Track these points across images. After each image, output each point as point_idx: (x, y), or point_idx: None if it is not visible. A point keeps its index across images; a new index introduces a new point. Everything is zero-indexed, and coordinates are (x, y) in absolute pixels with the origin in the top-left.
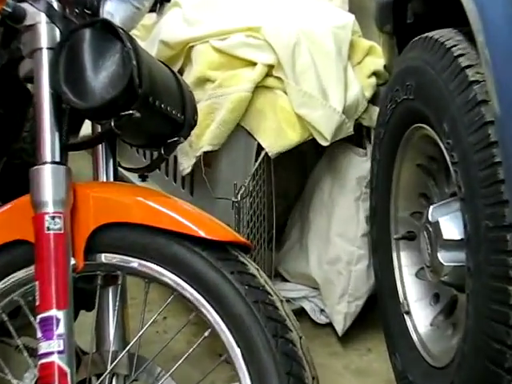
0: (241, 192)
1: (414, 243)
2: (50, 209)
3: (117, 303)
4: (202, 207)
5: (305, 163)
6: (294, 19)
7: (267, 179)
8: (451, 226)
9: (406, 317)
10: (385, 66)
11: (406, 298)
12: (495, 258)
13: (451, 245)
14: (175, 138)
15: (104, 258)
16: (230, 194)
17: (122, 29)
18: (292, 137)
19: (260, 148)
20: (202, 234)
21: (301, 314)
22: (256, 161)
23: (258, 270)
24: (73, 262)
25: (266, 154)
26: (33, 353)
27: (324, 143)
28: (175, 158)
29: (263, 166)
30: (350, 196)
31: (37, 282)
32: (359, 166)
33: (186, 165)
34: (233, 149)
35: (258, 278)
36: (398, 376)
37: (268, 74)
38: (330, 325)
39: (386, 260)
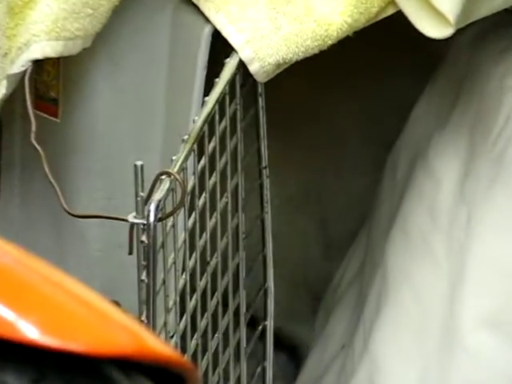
0: (159, 197)
1: None
2: None
3: None
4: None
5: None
6: None
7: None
8: None
9: None
10: None
11: None
12: None
13: None
14: None
15: None
16: (122, 205)
17: None
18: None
19: (223, 53)
20: (26, 333)
21: None
22: (206, 95)
23: None
24: None
25: (244, 72)
26: None
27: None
28: None
29: (228, 112)
30: None
31: None
32: None
33: None
34: (131, 55)
35: None
36: None
37: None
38: None
39: None
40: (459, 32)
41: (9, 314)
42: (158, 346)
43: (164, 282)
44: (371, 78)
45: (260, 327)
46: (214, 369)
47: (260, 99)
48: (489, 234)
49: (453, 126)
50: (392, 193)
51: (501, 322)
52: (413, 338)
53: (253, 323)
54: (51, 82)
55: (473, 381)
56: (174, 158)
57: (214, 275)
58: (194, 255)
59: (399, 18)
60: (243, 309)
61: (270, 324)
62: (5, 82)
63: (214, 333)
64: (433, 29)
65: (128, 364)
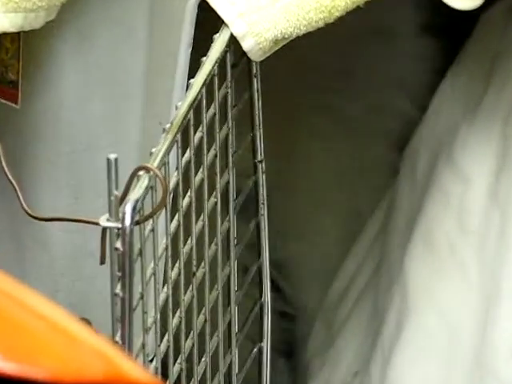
0: (136, 196)
1: None
2: None
3: None
4: None
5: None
6: None
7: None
8: None
9: None
10: None
11: None
12: None
13: None
14: None
15: None
16: (92, 206)
17: None
18: None
19: (211, 27)
20: None
21: None
22: (192, 77)
23: None
24: None
25: (236, 50)
26: None
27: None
28: None
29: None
30: None
31: None
32: None
33: None
34: (103, 30)
35: None
36: None
37: None
38: None
39: None
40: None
41: None
42: (135, 371)
43: (142, 296)
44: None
45: (255, 349)
46: None
47: (255, 81)
48: None
49: (483, 116)
50: (411, 194)
51: None
52: (438, 366)
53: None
54: (10, 61)
55: None
56: (153, 150)
57: (200, 288)
58: (177, 264)
59: None
60: (235, 328)
61: (266, 346)
62: None
63: (200, 356)
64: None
65: None
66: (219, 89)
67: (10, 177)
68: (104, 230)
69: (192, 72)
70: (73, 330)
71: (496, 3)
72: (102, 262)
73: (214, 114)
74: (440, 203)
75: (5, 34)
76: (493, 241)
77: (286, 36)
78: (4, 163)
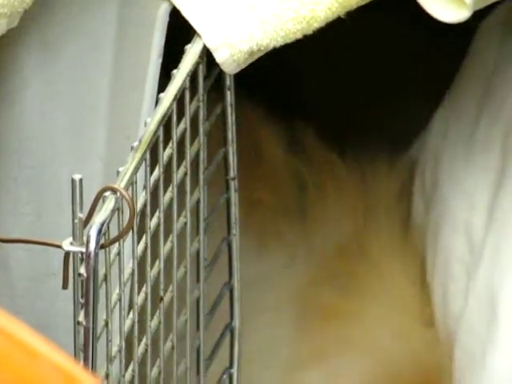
0: (101, 219)
1: None
2: None
3: None
4: None
5: None
6: None
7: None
8: None
9: None
10: None
11: None
12: None
13: None
14: None
15: None
16: (55, 227)
17: None
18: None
19: (183, 37)
20: None
21: None
22: (162, 90)
23: None
24: None
25: (209, 62)
26: None
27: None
28: None
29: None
30: None
31: None
32: None
33: None
34: (69, 40)
35: None
36: None
37: None
38: None
39: None
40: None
41: None
42: None
43: (107, 324)
44: None
45: (225, 376)
46: None
47: (228, 94)
48: None
49: (481, 134)
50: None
51: None
52: None
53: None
54: None
55: None
56: (120, 169)
57: (168, 314)
58: (143, 289)
59: None
60: (202, 355)
61: (236, 372)
62: None
63: None
64: (445, 11)
65: None
66: (190, 103)
67: None
68: (67, 254)
69: (162, 85)
70: (33, 344)
71: (492, 13)
72: (65, 286)
73: (185, 129)
74: (449, 227)
75: None
76: (486, 263)
77: (262, 48)
78: None
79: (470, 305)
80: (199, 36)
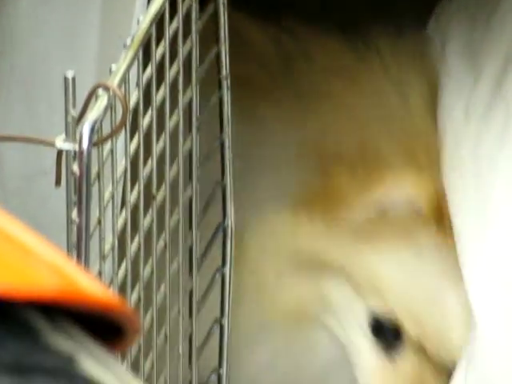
0: (94, 116)
1: None
2: None
3: None
4: None
5: None
6: None
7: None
8: None
9: None
10: None
11: None
12: None
13: None
14: None
15: None
16: (47, 125)
17: None
18: None
19: None
20: None
21: None
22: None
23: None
24: None
25: None
26: None
27: None
28: None
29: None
30: None
31: None
32: None
33: None
34: None
35: None
36: None
37: None
38: None
39: None
40: None
41: None
42: (93, 288)
43: (100, 221)
44: None
45: (217, 275)
46: (160, 327)
47: None
48: None
49: (497, 22)
50: None
51: None
52: None
53: None
54: None
55: None
56: (113, 67)
57: (161, 213)
58: (136, 187)
59: None
60: (196, 252)
61: (229, 271)
62: None
63: (159, 283)
64: None
65: (54, 310)
66: (183, 1)
67: None
68: (60, 152)
69: None
70: (23, 239)
71: None
72: (58, 184)
73: (177, 28)
74: (452, 90)
75: None
76: (494, 132)
77: None
78: None
79: None
80: None
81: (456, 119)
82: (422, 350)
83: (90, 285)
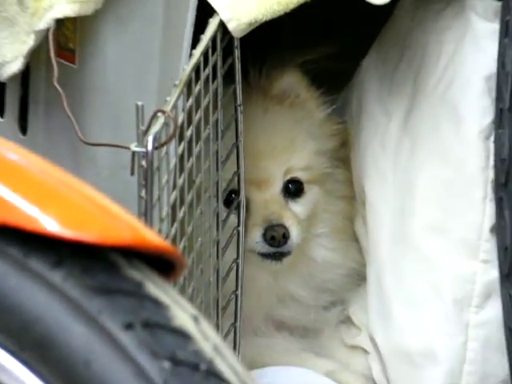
0: (155, 130)
1: None
2: None
3: None
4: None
5: None
6: None
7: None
8: None
9: None
10: None
11: None
12: None
13: None
14: None
15: None
16: (126, 136)
17: None
18: None
19: (207, 14)
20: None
21: None
22: (194, 48)
23: (195, 319)
24: None
25: (224, 29)
26: None
27: None
28: None
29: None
30: None
31: None
32: None
33: (9, 55)
34: (134, 16)
35: (194, 342)
36: None
37: None
38: None
39: None
40: None
41: (34, 211)
42: (155, 239)
43: (159, 197)
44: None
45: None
46: (198, 264)
47: (236, 51)
48: (431, 157)
49: (400, 72)
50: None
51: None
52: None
53: None
54: (70, 35)
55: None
56: (167, 98)
57: (198, 191)
58: (182, 175)
59: None
60: (221, 215)
61: (242, 230)
62: (33, 36)
63: (197, 237)
64: None
65: (129, 253)
66: (212, 56)
67: (70, 115)
68: (133, 153)
69: (194, 45)
70: (110, 207)
71: None
72: (132, 173)
73: (208, 73)
74: (370, 130)
75: (67, 18)
76: (404, 156)
77: (257, 20)
78: (66, 106)
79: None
80: (217, 13)
81: (375, 152)
82: None
83: (154, 237)
